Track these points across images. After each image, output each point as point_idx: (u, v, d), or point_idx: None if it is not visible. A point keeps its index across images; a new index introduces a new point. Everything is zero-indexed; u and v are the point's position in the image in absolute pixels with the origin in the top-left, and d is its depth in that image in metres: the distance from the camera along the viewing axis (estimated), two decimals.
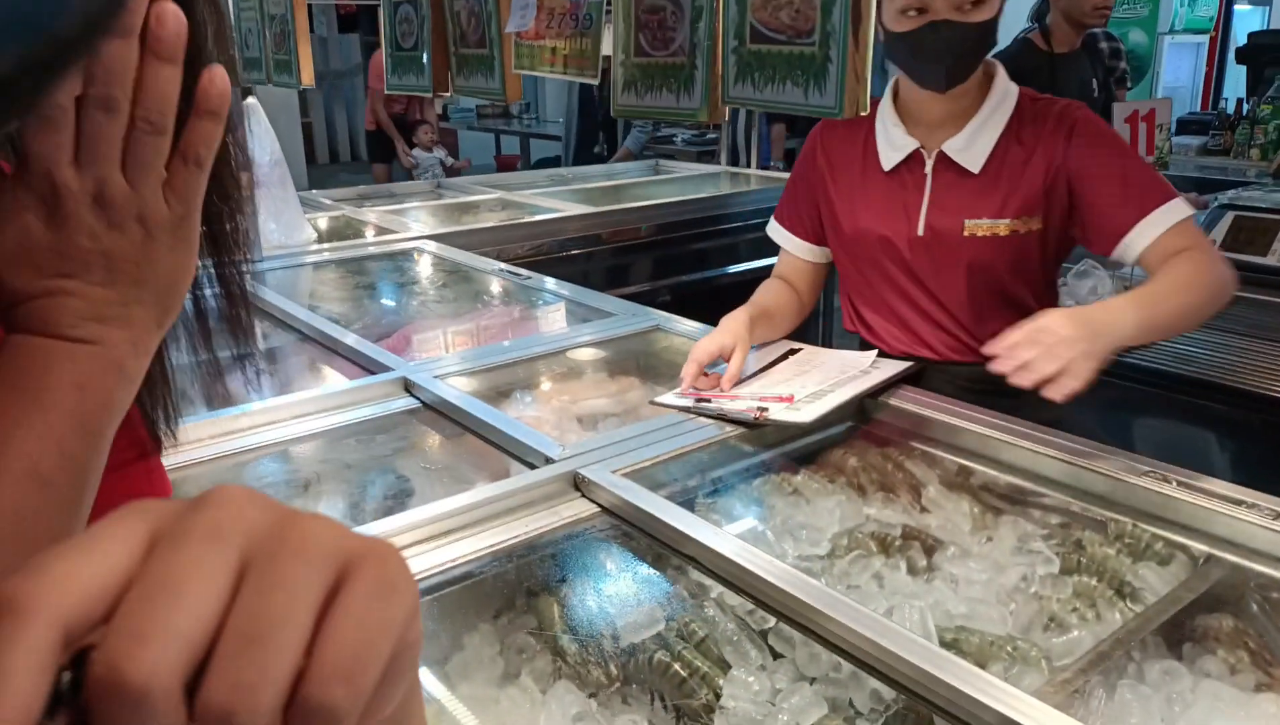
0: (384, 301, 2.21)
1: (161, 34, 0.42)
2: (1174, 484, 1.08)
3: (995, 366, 1.12)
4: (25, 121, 0.42)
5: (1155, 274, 1.31)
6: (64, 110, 0.42)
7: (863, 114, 0.89)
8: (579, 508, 1.12)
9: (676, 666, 0.90)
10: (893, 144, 1.47)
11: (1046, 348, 1.10)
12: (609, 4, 1.07)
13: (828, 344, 2.13)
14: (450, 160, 6.55)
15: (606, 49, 1.15)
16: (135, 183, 0.45)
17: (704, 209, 3.17)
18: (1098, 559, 1.04)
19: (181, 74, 0.44)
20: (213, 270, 0.57)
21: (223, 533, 0.26)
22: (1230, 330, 2.14)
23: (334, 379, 1.62)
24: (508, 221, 2.86)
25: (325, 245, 2.58)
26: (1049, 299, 1.51)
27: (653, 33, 1.00)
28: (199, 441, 1.31)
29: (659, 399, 1.37)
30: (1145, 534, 1.06)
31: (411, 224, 2.80)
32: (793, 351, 1.53)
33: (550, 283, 2.11)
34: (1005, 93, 1.45)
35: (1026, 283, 1.48)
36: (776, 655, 0.94)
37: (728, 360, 1.39)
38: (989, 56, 1.44)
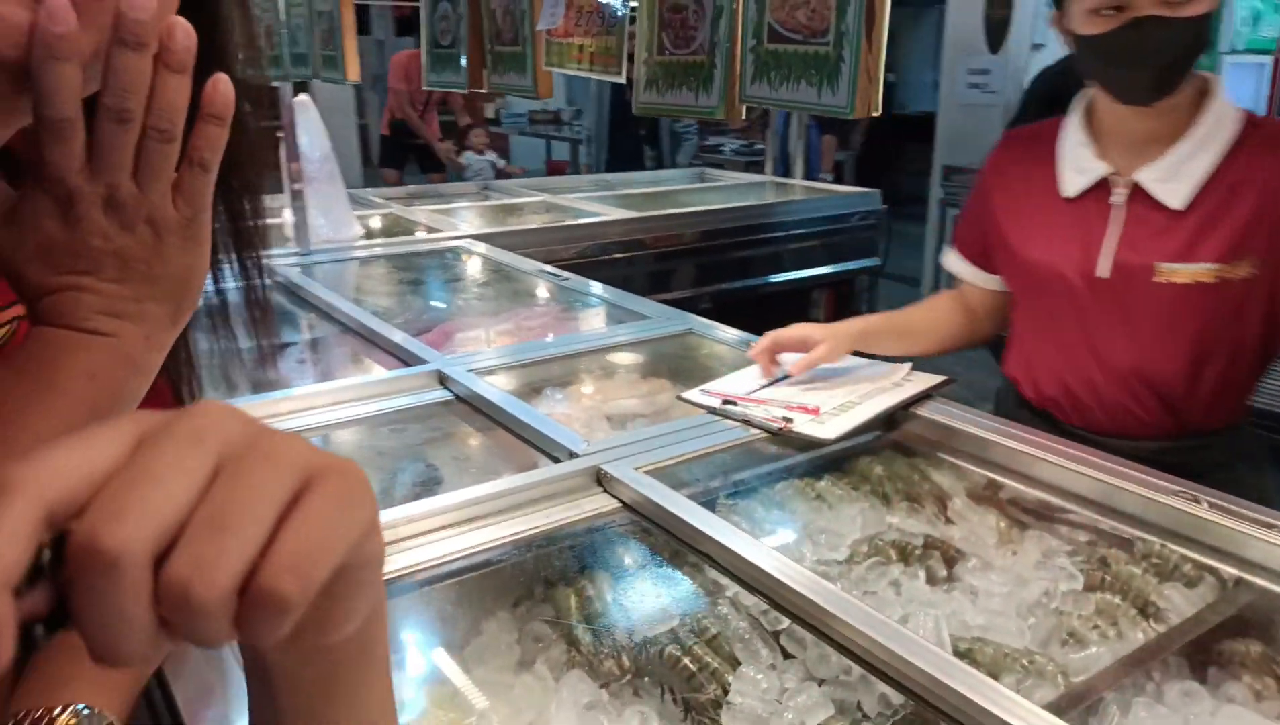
0: (426, 297, 2.25)
1: (172, 46, 0.45)
2: (1205, 505, 1.06)
3: None
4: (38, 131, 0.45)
5: None
6: (73, 122, 0.44)
7: (874, 114, 0.87)
8: (600, 502, 1.13)
9: (686, 661, 0.91)
10: (1079, 167, 1.29)
11: None
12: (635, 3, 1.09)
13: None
14: (501, 163, 6.64)
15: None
16: (145, 187, 0.48)
17: (747, 217, 3.18)
18: (1123, 577, 1.02)
19: (191, 82, 0.46)
20: (235, 265, 0.61)
21: (202, 437, 0.29)
22: None
23: (372, 370, 1.65)
24: (551, 224, 2.90)
25: (372, 241, 2.63)
26: (1265, 363, 1.31)
27: (675, 31, 1.01)
28: None
29: (686, 395, 1.38)
30: (1174, 554, 1.04)
31: (457, 223, 2.85)
32: None
33: (588, 284, 2.13)
34: (1223, 114, 1.22)
35: (1238, 342, 1.26)
36: (788, 655, 0.94)
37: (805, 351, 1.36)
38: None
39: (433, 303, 2.19)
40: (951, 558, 1.09)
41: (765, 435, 1.27)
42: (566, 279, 2.18)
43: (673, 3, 1.00)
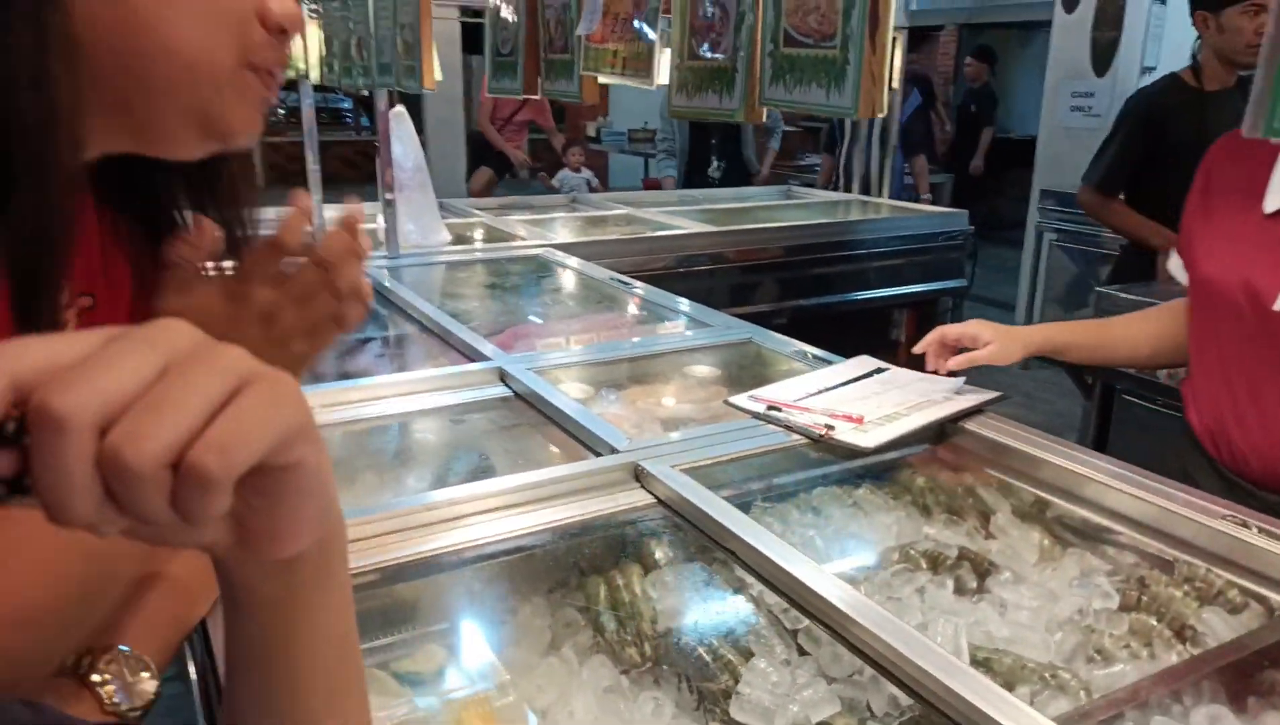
0: (501, 301, 2.32)
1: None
2: (1254, 530, 1.02)
3: None
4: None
5: None
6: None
7: (880, 115, 0.87)
8: (636, 497, 1.16)
9: (701, 651, 0.93)
10: None
11: None
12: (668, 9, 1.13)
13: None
14: (595, 182, 6.78)
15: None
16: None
17: (829, 234, 3.17)
18: (1161, 598, 0.99)
19: None
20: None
21: (156, 342, 0.34)
22: None
23: (442, 365, 1.73)
24: (629, 235, 2.95)
25: (457, 247, 2.74)
26: None
27: (703, 37, 1.05)
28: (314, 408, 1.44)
29: (732, 399, 1.40)
30: (1219, 579, 1.01)
31: (541, 233, 2.93)
32: (879, 370, 1.52)
33: (656, 293, 2.17)
34: None
35: None
36: (803, 653, 0.95)
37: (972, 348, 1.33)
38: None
39: (507, 306, 2.27)
40: (984, 570, 1.07)
41: (807, 441, 1.28)
42: (636, 288, 2.23)
43: (702, 10, 1.03)
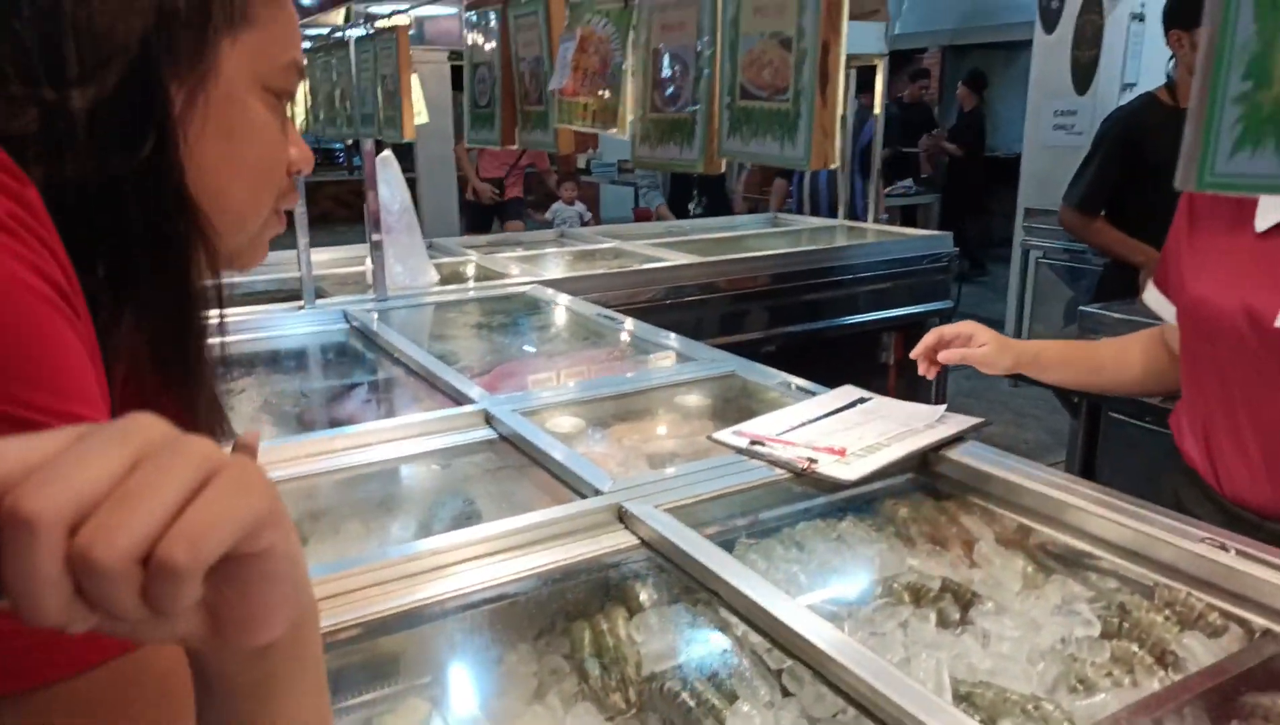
0: (488, 341, 2.34)
1: None
2: (1232, 553, 1.02)
3: None
4: None
5: None
6: None
7: (832, 166, 0.88)
8: (620, 539, 1.16)
9: (685, 695, 0.93)
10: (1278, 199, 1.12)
11: None
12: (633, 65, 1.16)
13: None
14: (588, 216, 6.84)
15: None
16: None
17: (814, 261, 3.19)
18: (1142, 624, 0.99)
19: None
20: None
21: (127, 436, 0.35)
22: None
23: (427, 409, 1.73)
24: (617, 269, 2.97)
25: (446, 287, 2.75)
26: None
27: (664, 90, 1.07)
28: (295, 459, 1.44)
29: (716, 435, 1.41)
30: (1199, 603, 1.01)
31: (530, 269, 2.95)
32: (862, 400, 1.53)
33: (643, 328, 2.19)
34: None
35: None
36: (787, 694, 0.95)
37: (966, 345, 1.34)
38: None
39: (494, 345, 2.28)
40: (967, 601, 1.08)
41: (790, 475, 1.29)
42: (622, 323, 2.24)
43: (662, 64, 1.06)
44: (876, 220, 3.76)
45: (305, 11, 2.41)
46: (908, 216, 7.61)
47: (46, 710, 0.43)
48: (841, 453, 1.30)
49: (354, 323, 2.34)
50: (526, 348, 2.25)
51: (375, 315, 2.38)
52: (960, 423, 1.40)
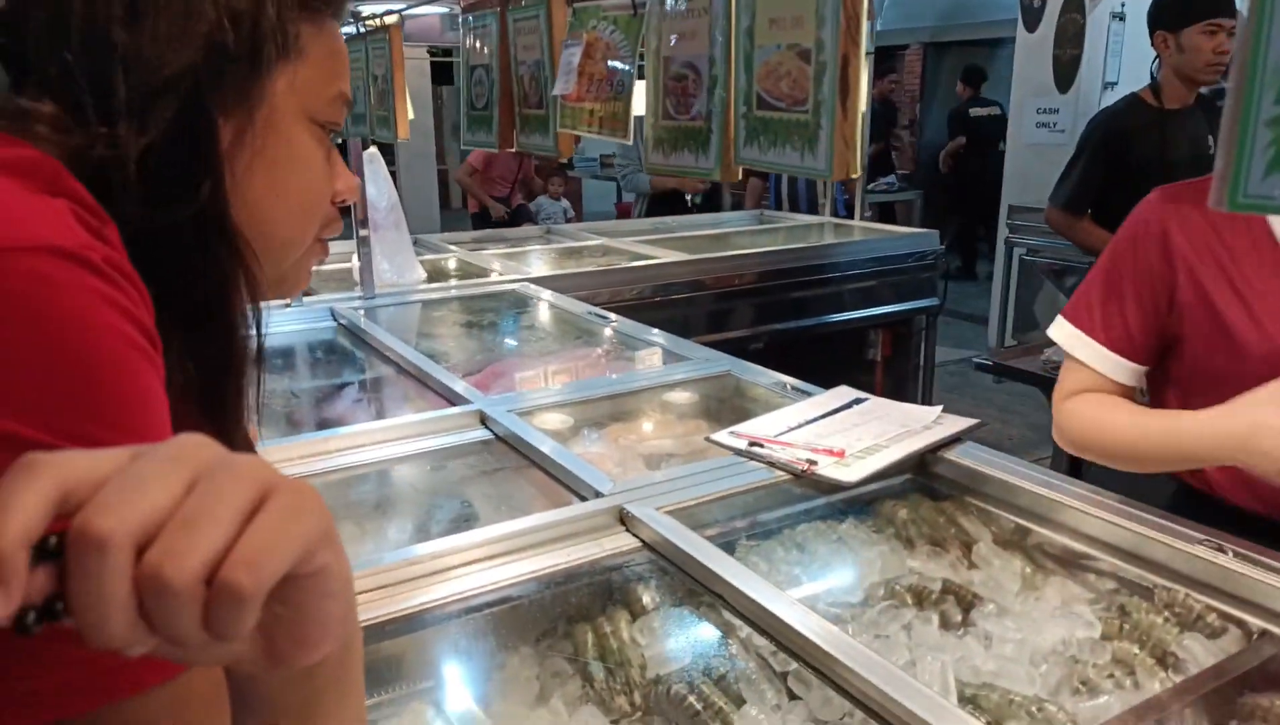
0: (478, 339, 2.33)
1: None
2: (1229, 554, 1.03)
3: None
4: None
5: None
6: None
7: (854, 176, 0.87)
8: (622, 541, 1.16)
9: (692, 699, 0.93)
10: None
11: None
12: (641, 72, 1.15)
13: None
14: (571, 212, 6.84)
15: (638, 111, 1.22)
16: None
17: (801, 258, 3.20)
18: (1142, 626, 1.00)
19: None
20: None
21: (183, 457, 0.35)
22: None
23: (420, 409, 1.72)
24: (606, 267, 2.97)
25: (433, 285, 2.74)
26: None
27: (677, 98, 1.07)
28: (288, 460, 1.43)
29: (714, 437, 1.41)
30: (1198, 605, 1.02)
31: (517, 267, 2.94)
32: (858, 401, 1.54)
33: (633, 327, 2.18)
34: None
35: None
36: (794, 697, 0.95)
37: None
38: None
39: (484, 343, 2.27)
40: (969, 603, 1.08)
41: (790, 477, 1.29)
42: (613, 321, 2.23)
43: (674, 72, 1.05)
44: (863, 217, 3.77)
45: None
46: (886, 213, 7.64)
47: None
48: (840, 454, 1.30)
49: (342, 320, 2.32)
50: (517, 346, 2.24)
51: (363, 313, 2.37)
52: (957, 424, 1.41)
